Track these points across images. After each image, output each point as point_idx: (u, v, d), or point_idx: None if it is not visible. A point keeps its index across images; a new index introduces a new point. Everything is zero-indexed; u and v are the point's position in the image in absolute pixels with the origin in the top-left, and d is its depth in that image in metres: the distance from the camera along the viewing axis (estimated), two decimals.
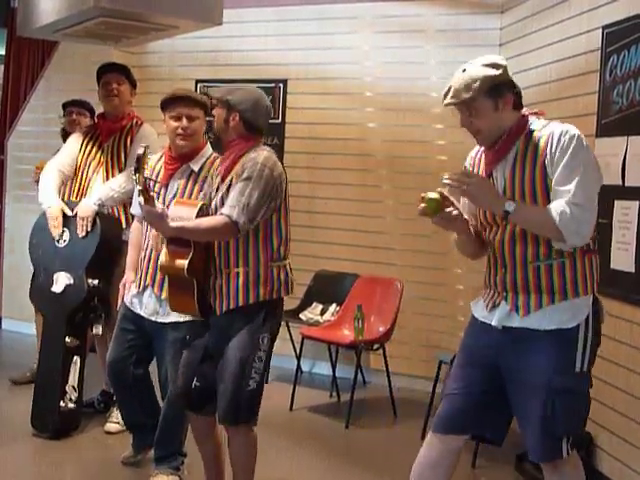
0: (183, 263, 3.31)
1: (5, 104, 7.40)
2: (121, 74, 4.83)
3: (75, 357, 4.68)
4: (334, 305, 6.07)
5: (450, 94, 2.89)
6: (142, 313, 3.98)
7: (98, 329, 4.73)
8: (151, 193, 3.15)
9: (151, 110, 5.72)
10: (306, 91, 6.51)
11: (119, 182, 4.67)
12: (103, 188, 4.68)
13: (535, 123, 2.93)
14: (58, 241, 4.68)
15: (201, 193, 3.67)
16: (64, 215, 4.66)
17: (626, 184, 4.07)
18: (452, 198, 2.93)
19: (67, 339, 4.63)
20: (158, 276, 3.87)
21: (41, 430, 4.66)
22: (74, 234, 4.62)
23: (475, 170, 3.05)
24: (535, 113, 2.98)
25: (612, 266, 4.16)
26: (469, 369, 3.08)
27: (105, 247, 4.64)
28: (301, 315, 6.11)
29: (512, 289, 2.94)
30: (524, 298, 2.91)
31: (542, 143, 2.85)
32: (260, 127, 3.49)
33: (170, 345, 3.91)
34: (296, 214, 6.35)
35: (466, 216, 3.03)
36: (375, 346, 5.57)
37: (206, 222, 3.33)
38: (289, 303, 6.11)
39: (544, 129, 2.88)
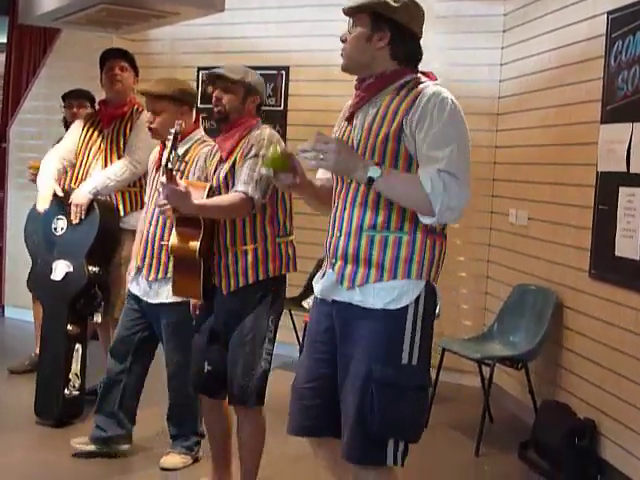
0: (195, 245, 3.33)
1: (7, 92, 7.38)
2: (124, 60, 4.80)
3: (77, 345, 4.67)
4: None
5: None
6: (137, 293, 4.03)
7: (98, 317, 4.73)
8: (174, 173, 3.15)
9: None
10: (308, 78, 6.49)
11: (115, 170, 4.64)
12: (99, 176, 4.65)
13: (413, 79, 2.65)
14: (56, 229, 4.68)
15: (194, 177, 3.67)
16: (61, 203, 4.66)
17: (631, 171, 4.04)
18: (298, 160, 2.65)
19: (69, 327, 4.62)
20: (147, 260, 3.94)
21: (45, 418, 4.66)
22: (71, 222, 4.62)
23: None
24: (425, 74, 2.69)
25: (616, 253, 4.14)
26: (313, 360, 2.78)
27: (104, 235, 4.63)
28: (304, 303, 6.09)
29: (342, 257, 2.64)
30: (352, 268, 2.61)
31: (408, 99, 2.57)
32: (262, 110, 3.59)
33: (164, 328, 3.98)
34: (298, 201, 6.36)
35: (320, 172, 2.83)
36: None
37: (226, 199, 3.34)
38: (292, 291, 6.11)
39: (418, 86, 2.61)
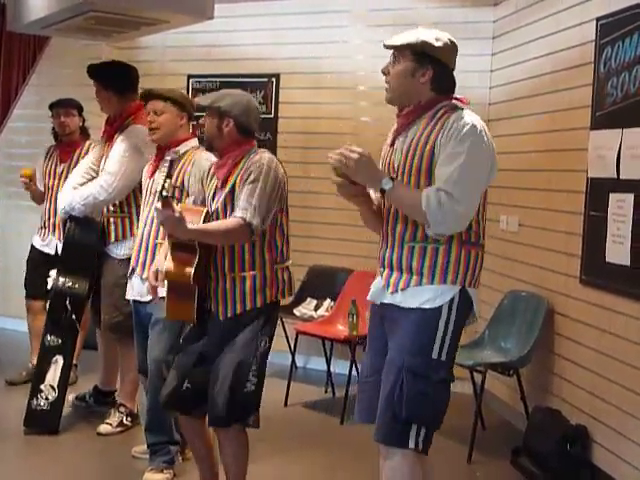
0: (190, 271, 3.28)
1: None
2: (99, 80, 4.66)
3: (56, 356, 4.59)
4: (328, 300, 6.04)
5: (394, 37, 2.93)
6: (135, 297, 4.02)
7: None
8: (170, 197, 3.15)
9: None
10: (299, 85, 6.49)
11: (81, 193, 4.55)
12: (74, 194, 4.59)
13: (445, 105, 2.90)
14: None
15: (190, 199, 3.65)
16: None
17: (621, 177, 4.05)
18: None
19: (47, 337, 4.57)
20: (140, 258, 3.93)
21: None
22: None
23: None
24: (457, 99, 2.94)
25: (607, 259, 4.14)
26: (372, 356, 3.08)
27: (69, 247, 4.59)
28: (295, 311, 6.08)
29: (389, 266, 2.95)
30: (396, 276, 2.92)
31: (439, 125, 2.83)
32: (254, 130, 3.51)
33: (151, 325, 3.94)
34: (290, 209, 6.35)
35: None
36: None
37: (223, 225, 3.31)
38: (283, 299, 6.10)
39: (448, 112, 2.86)
